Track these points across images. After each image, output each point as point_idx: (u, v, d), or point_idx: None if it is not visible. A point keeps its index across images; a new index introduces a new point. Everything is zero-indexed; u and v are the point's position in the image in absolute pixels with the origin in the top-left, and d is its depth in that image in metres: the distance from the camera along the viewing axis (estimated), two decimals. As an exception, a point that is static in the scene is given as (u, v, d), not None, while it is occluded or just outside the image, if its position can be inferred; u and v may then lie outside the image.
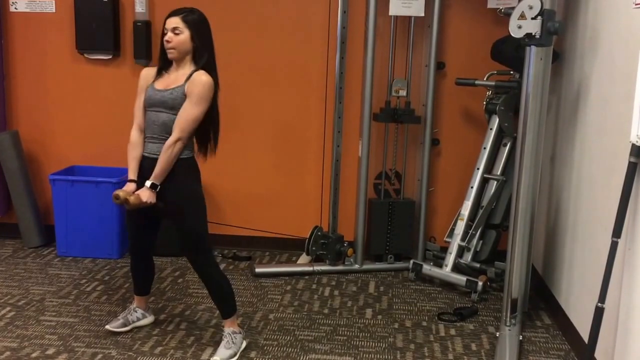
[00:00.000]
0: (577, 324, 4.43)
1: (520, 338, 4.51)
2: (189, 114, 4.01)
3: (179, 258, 5.94)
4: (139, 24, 5.93)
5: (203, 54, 4.10)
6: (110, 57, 6.09)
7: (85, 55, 6.12)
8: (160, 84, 4.13)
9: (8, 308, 4.89)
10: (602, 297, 3.51)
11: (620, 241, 3.48)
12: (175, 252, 5.94)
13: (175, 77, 4.10)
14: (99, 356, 4.21)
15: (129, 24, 6.02)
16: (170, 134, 4.04)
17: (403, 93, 5.75)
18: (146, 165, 4.15)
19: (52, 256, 6.01)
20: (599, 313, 3.53)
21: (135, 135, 4.22)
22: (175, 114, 4.03)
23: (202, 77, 4.01)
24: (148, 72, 4.25)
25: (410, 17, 5.71)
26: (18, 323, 4.65)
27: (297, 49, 5.96)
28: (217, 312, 4.43)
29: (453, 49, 5.85)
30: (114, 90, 6.11)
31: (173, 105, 4.04)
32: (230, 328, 4.29)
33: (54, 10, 6.10)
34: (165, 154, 4.03)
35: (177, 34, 4.02)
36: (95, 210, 5.86)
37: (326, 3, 5.78)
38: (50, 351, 4.26)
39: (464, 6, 5.79)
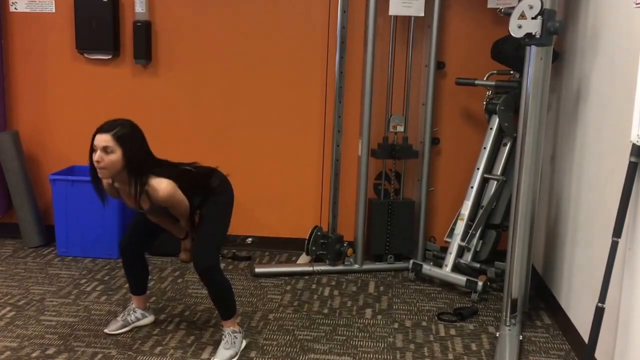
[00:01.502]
0: (578, 324, 4.43)
1: (521, 338, 4.51)
2: (178, 212, 4.14)
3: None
4: (139, 24, 5.93)
5: (139, 166, 3.90)
6: (110, 57, 6.09)
7: (85, 55, 6.12)
8: (130, 203, 4.10)
9: (8, 308, 4.89)
10: (603, 297, 3.51)
11: (621, 241, 3.48)
12: (176, 253, 5.94)
13: (133, 196, 3.98)
14: (99, 356, 4.21)
15: (128, 24, 6.02)
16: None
17: (401, 129, 5.77)
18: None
19: (52, 256, 6.01)
20: (599, 313, 3.53)
21: (150, 217, 4.32)
22: (168, 212, 4.17)
23: (161, 194, 3.92)
24: (107, 189, 4.15)
25: (410, 16, 5.70)
26: (18, 323, 4.65)
27: (297, 48, 5.96)
28: (217, 312, 4.43)
29: (453, 48, 5.85)
30: (114, 90, 6.11)
31: (160, 213, 4.18)
32: (230, 328, 4.28)
33: (53, 11, 6.10)
34: (190, 227, 4.28)
35: (107, 153, 3.81)
36: (95, 210, 5.83)
37: (326, 3, 5.78)
38: (51, 351, 4.26)
39: (464, 6, 5.79)
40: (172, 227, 4.32)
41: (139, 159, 3.90)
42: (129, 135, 3.88)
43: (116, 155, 3.81)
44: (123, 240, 4.50)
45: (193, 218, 4.22)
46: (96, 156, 3.82)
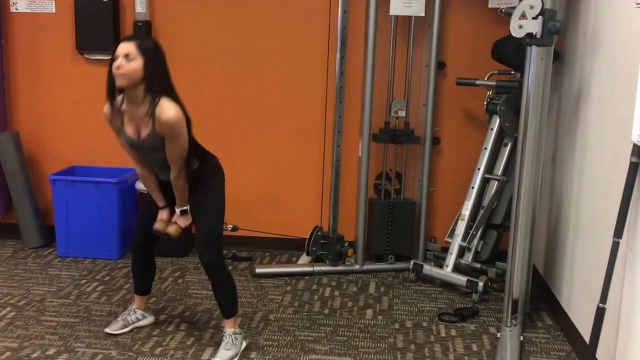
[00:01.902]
0: (579, 325, 4.43)
1: (522, 339, 4.51)
2: (174, 150, 3.98)
3: (180, 258, 5.95)
4: (140, 24, 5.92)
5: (157, 83, 3.87)
6: (111, 57, 6.07)
7: (86, 56, 6.12)
8: (130, 129, 4.01)
9: (8, 308, 4.89)
10: (604, 298, 3.50)
11: (622, 241, 3.47)
12: (177, 253, 5.95)
13: (139, 118, 3.94)
14: (99, 356, 4.21)
15: (129, 24, 6.02)
16: (167, 164, 4.05)
17: (402, 114, 5.76)
18: (166, 187, 4.24)
19: (52, 256, 6.01)
20: (600, 313, 3.52)
21: (139, 169, 4.25)
22: (163, 151, 4.00)
23: (168, 116, 3.83)
24: (109, 113, 4.07)
25: (410, 16, 5.70)
26: (18, 323, 4.65)
27: (298, 48, 5.96)
28: (217, 312, 4.43)
29: (454, 48, 5.85)
30: (114, 91, 6.11)
31: (156, 149, 4.00)
32: (230, 329, 4.28)
33: (54, 11, 6.09)
34: (176, 186, 4.11)
35: (129, 61, 3.80)
36: (95, 210, 5.85)
37: (326, 3, 5.77)
38: (51, 351, 4.26)
39: (465, 6, 5.78)
40: (154, 187, 4.26)
41: (159, 74, 3.89)
42: (152, 48, 3.90)
43: (137, 64, 3.81)
44: (134, 240, 4.49)
45: (184, 173, 4.10)
46: (117, 62, 3.81)
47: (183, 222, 4.21)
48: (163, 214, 4.29)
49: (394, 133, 5.78)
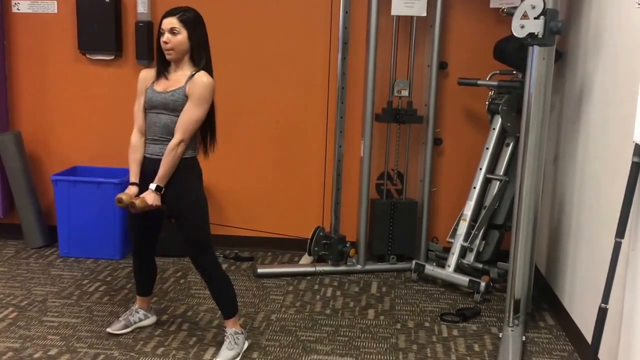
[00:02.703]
0: (581, 325, 4.43)
1: (524, 339, 4.50)
2: (191, 115, 4.00)
3: (181, 259, 5.94)
4: (141, 24, 5.92)
5: (201, 54, 4.09)
6: (112, 57, 6.09)
7: (88, 56, 6.12)
8: (160, 86, 4.10)
9: (10, 309, 4.89)
10: (606, 298, 3.50)
11: (624, 241, 3.47)
12: (178, 253, 5.94)
13: (175, 79, 4.08)
14: (101, 357, 4.21)
15: (131, 25, 6.02)
16: (171, 136, 4.04)
17: (405, 93, 5.74)
18: (148, 167, 4.16)
19: (54, 257, 6.01)
20: (602, 313, 3.52)
21: (135, 138, 4.22)
22: (177, 116, 4.03)
23: (204, 78, 4.00)
24: (147, 74, 4.23)
25: (412, 17, 5.70)
26: (20, 324, 4.65)
27: (299, 49, 5.96)
28: (219, 312, 4.43)
29: (455, 48, 5.85)
30: (116, 91, 6.10)
31: (175, 107, 4.03)
32: (232, 329, 4.28)
33: (56, 11, 6.10)
34: (169, 156, 4.03)
35: (174, 34, 3.99)
36: (97, 210, 5.85)
37: (328, 3, 5.77)
38: (53, 352, 4.26)
39: (467, 6, 5.78)
40: (138, 156, 4.19)
41: (201, 43, 4.10)
42: (193, 19, 4.07)
43: (182, 36, 4.01)
44: (134, 244, 4.47)
45: (183, 149, 4.06)
46: (164, 37, 4.01)
47: (152, 199, 4.05)
48: (132, 189, 4.18)
49: (396, 112, 5.76)
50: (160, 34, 4.03)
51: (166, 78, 4.11)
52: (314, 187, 6.12)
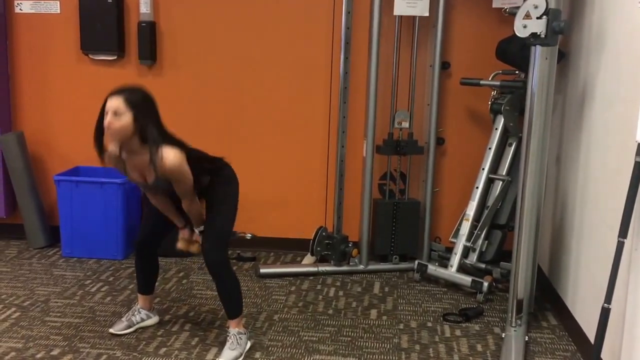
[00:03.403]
0: (584, 325, 4.42)
1: (526, 339, 4.50)
2: (182, 188, 4.04)
3: (184, 259, 5.95)
4: (144, 24, 5.93)
5: (150, 133, 3.84)
6: (115, 57, 6.09)
7: (90, 56, 6.12)
8: (135, 175, 4.03)
9: (13, 309, 4.89)
10: (609, 298, 3.50)
11: (627, 241, 3.46)
12: (180, 253, 5.94)
13: (141, 165, 3.95)
14: (104, 357, 4.21)
15: (133, 25, 6.02)
16: (178, 199, 4.14)
17: (406, 125, 5.76)
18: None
19: (56, 257, 6.01)
20: (605, 313, 3.51)
21: (153, 199, 4.29)
22: (172, 190, 4.07)
23: (169, 163, 3.86)
24: (111, 158, 4.00)
25: (414, 17, 5.70)
26: (23, 324, 4.65)
27: (302, 49, 5.96)
28: (222, 313, 4.43)
29: (458, 48, 5.84)
30: (118, 91, 6.11)
31: (164, 190, 4.10)
32: (235, 329, 4.28)
33: (58, 11, 6.10)
34: (190, 212, 4.21)
35: (118, 117, 3.75)
36: (100, 211, 5.86)
37: (330, 3, 5.78)
38: (55, 352, 4.26)
39: (469, 6, 5.78)
40: (171, 212, 4.31)
41: (150, 125, 3.85)
42: (140, 100, 3.85)
43: (126, 119, 3.77)
44: (139, 238, 4.49)
45: (195, 200, 4.17)
46: (107, 120, 3.77)
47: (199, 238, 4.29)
48: (185, 233, 4.36)
49: (397, 144, 5.78)
50: (104, 114, 3.82)
51: (130, 157, 3.96)
52: (317, 187, 6.12)
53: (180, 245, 4.37)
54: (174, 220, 4.34)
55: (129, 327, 4.56)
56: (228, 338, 4.28)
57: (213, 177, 4.22)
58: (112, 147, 3.90)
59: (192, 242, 4.36)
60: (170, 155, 3.86)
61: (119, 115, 3.76)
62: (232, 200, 4.27)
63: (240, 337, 4.27)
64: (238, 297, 4.30)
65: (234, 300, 4.30)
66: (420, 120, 5.87)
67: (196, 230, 4.29)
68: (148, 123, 3.84)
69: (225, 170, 4.29)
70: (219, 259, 4.19)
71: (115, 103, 3.77)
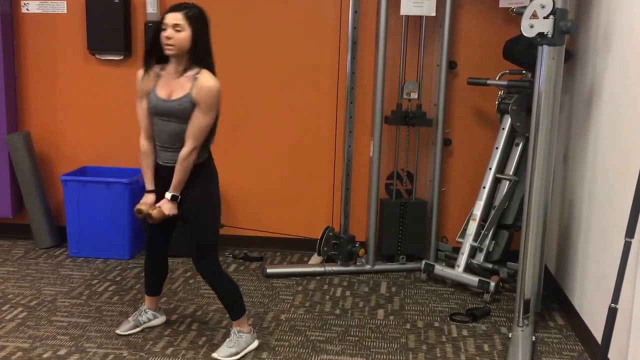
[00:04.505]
0: (591, 325, 4.41)
1: (533, 339, 4.49)
2: (200, 122, 3.95)
3: (190, 259, 5.92)
4: (150, 24, 5.92)
5: (203, 53, 3.98)
6: (122, 57, 6.10)
7: (97, 56, 6.13)
8: (162, 91, 4.01)
9: (20, 308, 4.90)
10: (616, 298, 3.49)
11: (634, 241, 3.46)
12: (187, 253, 5.94)
13: (177, 83, 3.98)
14: (111, 357, 4.21)
15: (140, 25, 6.03)
16: (182, 143, 3.99)
17: (414, 95, 5.73)
18: (163, 174, 4.15)
19: (63, 257, 6.02)
20: (612, 313, 3.51)
21: (144, 143, 4.18)
22: (186, 123, 3.96)
23: (209, 84, 3.92)
24: (142, 76, 4.11)
25: (421, 16, 5.69)
26: (30, 323, 4.66)
27: (309, 49, 5.96)
28: (229, 312, 4.44)
29: (465, 48, 5.84)
30: (125, 91, 6.10)
31: (184, 116, 3.96)
32: (236, 327, 4.30)
33: (65, 11, 6.11)
34: (182, 164, 4.00)
35: (178, 31, 3.87)
36: (106, 210, 5.86)
37: (337, 3, 5.77)
38: (62, 352, 4.27)
39: (476, 5, 5.77)
40: (151, 160, 4.18)
41: (204, 44, 3.98)
42: (198, 16, 3.95)
43: (186, 33, 3.88)
44: (149, 244, 4.45)
45: (196, 154, 4.02)
46: (167, 33, 3.88)
47: (168, 209, 4.09)
48: (149, 198, 4.20)
49: (406, 115, 5.75)
50: (162, 29, 3.92)
51: (166, 78, 4.02)
52: (324, 187, 6.12)
53: (141, 206, 4.13)
54: (146, 179, 4.22)
55: (136, 327, 4.56)
56: (229, 335, 4.32)
57: (209, 160, 4.17)
58: (141, 71, 4.10)
59: (153, 207, 4.13)
60: (215, 81, 3.95)
61: (178, 29, 3.87)
62: (217, 204, 4.23)
63: (240, 336, 4.28)
64: (237, 300, 4.31)
65: (232, 304, 4.31)
66: (429, 107, 5.85)
67: (167, 195, 4.09)
68: (203, 42, 3.97)
69: (213, 162, 4.26)
70: (211, 270, 4.23)
71: (176, 17, 3.88)
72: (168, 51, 3.92)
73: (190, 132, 3.97)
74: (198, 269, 4.26)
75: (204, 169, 4.12)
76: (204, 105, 3.92)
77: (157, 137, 4.12)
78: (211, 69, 4.02)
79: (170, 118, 4.00)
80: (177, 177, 4.04)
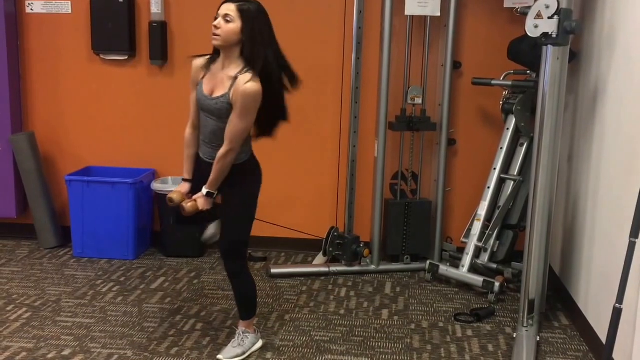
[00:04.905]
0: (595, 325, 4.41)
1: (538, 339, 4.49)
2: (235, 126, 3.88)
3: (195, 259, 5.95)
4: (155, 24, 5.93)
5: (254, 51, 3.83)
6: (126, 57, 6.10)
7: (101, 56, 6.13)
8: (207, 86, 3.96)
9: (24, 309, 4.90)
10: (620, 298, 3.48)
11: (638, 241, 3.45)
12: (192, 254, 5.95)
13: (220, 79, 3.91)
14: (115, 357, 4.22)
15: (144, 25, 6.03)
16: (220, 142, 3.94)
17: (419, 101, 5.73)
18: (202, 167, 4.12)
19: (68, 257, 6.02)
20: (617, 314, 3.50)
21: (189, 132, 4.17)
22: (224, 122, 3.91)
23: (246, 87, 3.77)
24: (198, 64, 4.07)
25: (426, 16, 5.69)
26: (34, 324, 4.66)
27: (313, 49, 5.95)
28: (233, 312, 4.44)
29: (469, 48, 5.83)
30: (129, 91, 6.12)
31: (220, 115, 3.92)
32: (242, 328, 4.30)
33: (70, 12, 6.11)
34: (218, 164, 3.96)
35: (227, 22, 3.79)
36: (111, 211, 5.86)
37: (342, 3, 5.77)
38: (66, 352, 4.27)
39: (481, 6, 5.76)
40: (193, 149, 4.18)
41: (255, 40, 3.84)
42: (252, 12, 3.84)
43: (234, 26, 3.80)
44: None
45: (234, 156, 3.97)
46: (216, 22, 3.82)
47: (203, 203, 4.03)
48: (184, 187, 4.20)
49: (410, 120, 5.74)
50: (215, 18, 3.85)
51: (213, 73, 3.98)
52: (328, 187, 6.12)
53: (174, 195, 4.10)
54: (185, 168, 4.22)
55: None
56: (234, 335, 4.30)
57: (251, 159, 4.16)
58: (198, 60, 4.08)
59: (188, 199, 4.08)
60: (254, 83, 3.80)
61: (228, 20, 3.80)
62: (253, 204, 4.20)
63: (245, 337, 4.28)
64: (253, 301, 4.31)
65: (248, 305, 4.30)
66: (433, 112, 5.84)
67: (203, 190, 4.04)
68: (253, 37, 3.84)
69: (258, 163, 4.25)
70: (237, 269, 4.20)
71: (229, 8, 3.82)
72: (214, 41, 3.86)
73: (227, 133, 3.92)
74: (227, 268, 4.21)
75: (241, 171, 4.08)
76: (239, 109, 3.84)
77: (201, 128, 4.10)
78: (262, 70, 3.88)
79: (210, 115, 3.98)
80: (213, 175, 4.00)
